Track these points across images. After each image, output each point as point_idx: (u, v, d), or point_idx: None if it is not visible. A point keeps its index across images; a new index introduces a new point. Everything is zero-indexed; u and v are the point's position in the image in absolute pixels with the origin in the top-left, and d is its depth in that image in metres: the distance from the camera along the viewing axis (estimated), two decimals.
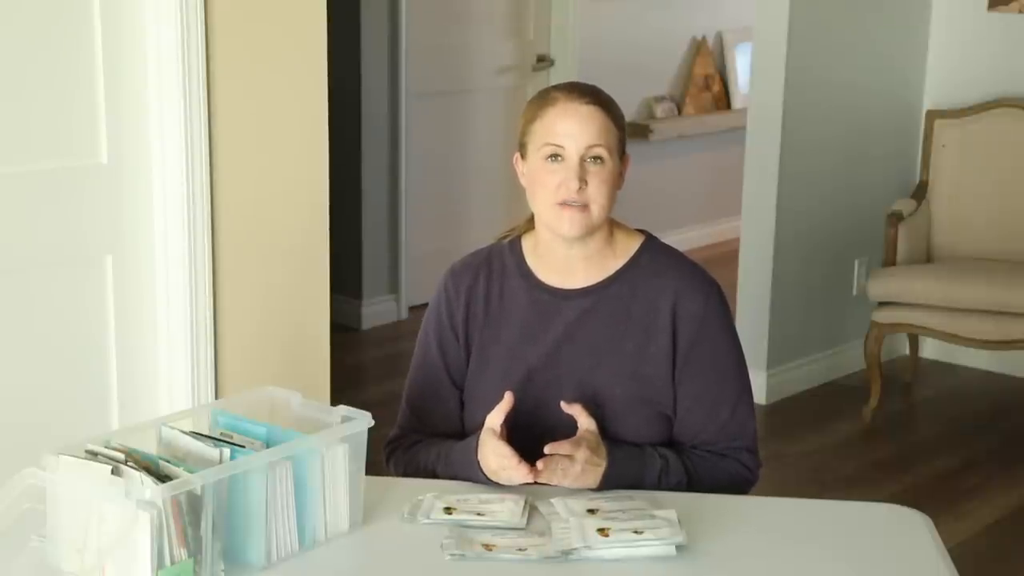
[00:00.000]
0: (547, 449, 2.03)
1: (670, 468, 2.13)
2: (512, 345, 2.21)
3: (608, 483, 2.07)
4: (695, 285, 2.19)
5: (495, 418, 2.07)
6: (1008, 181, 4.90)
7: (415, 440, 2.25)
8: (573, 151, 2.11)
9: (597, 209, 2.13)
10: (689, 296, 2.18)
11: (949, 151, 5.01)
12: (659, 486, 2.12)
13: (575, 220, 2.12)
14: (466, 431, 2.23)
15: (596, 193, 2.12)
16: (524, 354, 2.20)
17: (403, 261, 5.75)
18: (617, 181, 2.16)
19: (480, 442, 2.08)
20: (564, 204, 2.12)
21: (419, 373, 2.29)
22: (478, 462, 2.08)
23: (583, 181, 2.10)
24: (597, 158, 2.11)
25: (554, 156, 2.12)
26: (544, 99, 2.16)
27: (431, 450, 2.21)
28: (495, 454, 2.05)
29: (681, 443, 2.20)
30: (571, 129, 2.11)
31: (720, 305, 2.21)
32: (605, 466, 2.07)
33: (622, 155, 2.17)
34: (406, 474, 2.24)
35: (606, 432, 2.12)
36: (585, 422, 2.08)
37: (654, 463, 2.13)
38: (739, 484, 2.21)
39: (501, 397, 2.14)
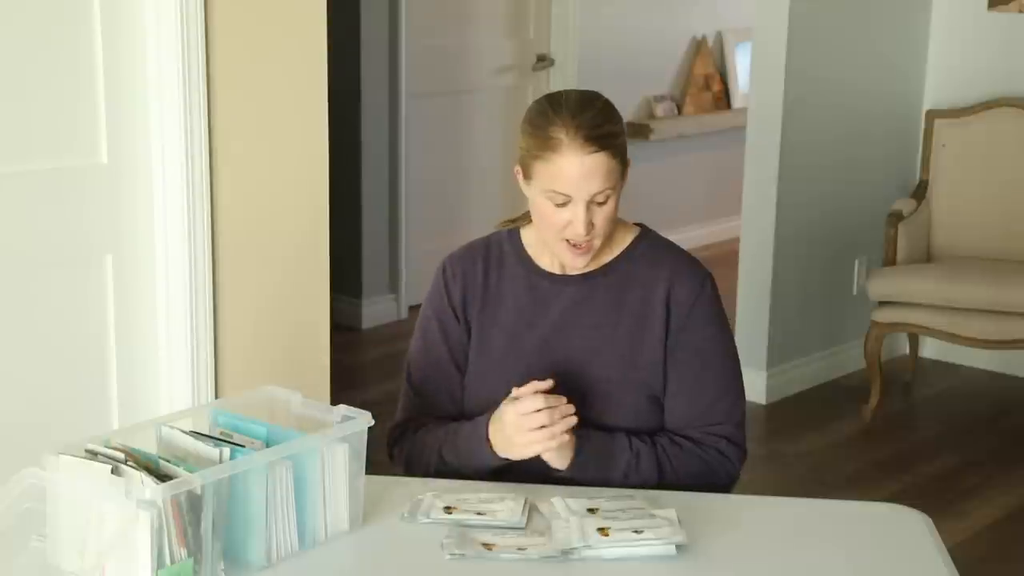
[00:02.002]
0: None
1: (640, 464, 2.14)
2: (510, 330, 2.23)
3: (574, 470, 2.10)
4: (688, 273, 2.21)
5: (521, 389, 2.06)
6: (1008, 181, 4.90)
7: (423, 423, 2.25)
8: (580, 199, 2.10)
9: (600, 240, 2.16)
10: (682, 284, 2.20)
11: (949, 151, 5.01)
12: (627, 481, 2.13)
13: (580, 257, 2.16)
14: (465, 415, 2.24)
15: (602, 227, 2.13)
16: (522, 339, 2.22)
17: (403, 261, 5.75)
18: (618, 202, 2.16)
19: (499, 411, 2.08)
20: (570, 243, 2.14)
21: (420, 356, 2.29)
22: (487, 436, 2.09)
23: (591, 224, 2.11)
24: (603, 202, 2.11)
25: (561, 204, 2.12)
26: (547, 139, 2.08)
27: (438, 431, 2.21)
28: (516, 412, 2.04)
29: (670, 427, 2.21)
30: (577, 180, 2.08)
31: (712, 294, 2.22)
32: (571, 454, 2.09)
33: (625, 172, 2.16)
34: (409, 458, 2.24)
35: (596, 418, 2.15)
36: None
37: (622, 459, 2.14)
38: (719, 476, 2.19)
39: (500, 381, 2.16)
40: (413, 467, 2.24)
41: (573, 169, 2.07)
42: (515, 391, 2.06)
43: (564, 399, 2.05)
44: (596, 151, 2.07)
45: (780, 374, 4.92)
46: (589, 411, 2.16)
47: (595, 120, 2.09)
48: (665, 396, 2.20)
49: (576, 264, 2.18)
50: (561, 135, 2.07)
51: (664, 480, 2.15)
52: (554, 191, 2.10)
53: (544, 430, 2.03)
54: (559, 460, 2.10)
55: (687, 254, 2.27)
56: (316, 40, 3.13)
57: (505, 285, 2.26)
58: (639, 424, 2.18)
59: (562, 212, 2.11)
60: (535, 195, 2.15)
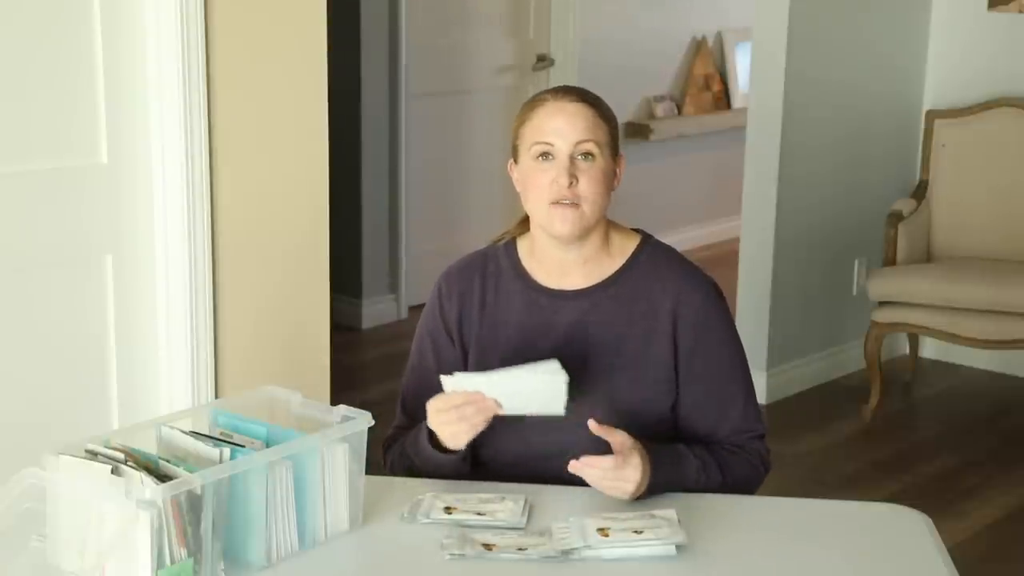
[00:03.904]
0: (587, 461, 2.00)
1: (707, 466, 2.13)
2: (512, 349, 2.19)
3: (652, 490, 2.05)
4: (693, 285, 2.19)
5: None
6: (1008, 181, 4.90)
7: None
8: (562, 148, 2.11)
9: (589, 207, 2.12)
10: (688, 297, 2.17)
11: (949, 151, 5.01)
12: (697, 486, 2.11)
13: (567, 219, 2.11)
14: None
15: (588, 190, 2.11)
16: (527, 358, 2.15)
17: (403, 261, 5.75)
18: (610, 180, 2.15)
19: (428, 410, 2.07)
20: (556, 203, 2.11)
21: (413, 376, 2.28)
22: (427, 428, 2.09)
23: (573, 177, 2.10)
24: (587, 154, 2.11)
25: (544, 155, 2.12)
26: (532, 102, 2.18)
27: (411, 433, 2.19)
28: (433, 413, 2.05)
29: (699, 439, 2.19)
30: (559, 126, 2.11)
31: (719, 303, 2.21)
32: (648, 475, 2.03)
33: (615, 153, 2.16)
34: (394, 466, 2.23)
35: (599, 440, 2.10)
36: (618, 441, 2.01)
37: (690, 462, 2.11)
38: (759, 474, 2.22)
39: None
40: (397, 472, 2.22)
41: (555, 117, 2.12)
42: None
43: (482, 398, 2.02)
44: (577, 101, 2.14)
45: (780, 374, 4.92)
46: (592, 433, 2.15)
47: (579, 88, 2.20)
48: (683, 409, 2.18)
49: (563, 229, 2.12)
50: (546, 96, 2.18)
51: (725, 485, 2.14)
52: (537, 142, 2.13)
53: (454, 412, 2.03)
54: (626, 490, 2.02)
55: (690, 263, 2.25)
56: (316, 40, 3.13)
57: (503, 303, 2.22)
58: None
59: (547, 169, 2.12)
60: (523, 166, 2.16)
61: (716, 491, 2.13)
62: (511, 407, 2.01)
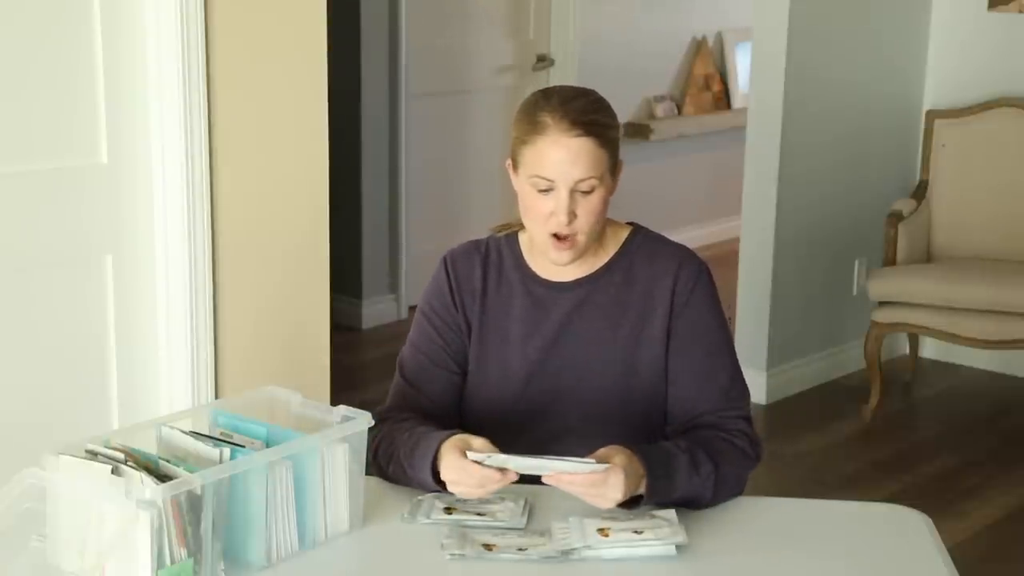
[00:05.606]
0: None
1: (699, 466, 2.05)
2: (511, 340, 2.22)
3: (654, 494, 1.99)
4: (691, 262, 2.21)
5: (475, 443, 1.98)
6: (1008, 181, 4.90)
7: (406, 417, 2.20)
8: (563, 184, 2.08)
9: (585, 236, 2.12)
10: (686, 270, 2.19)
11: (949, 151, 5.01)
12: (691, 481, 2.03)
13: (563, 252, 2.13)
14: (464, 422, 2.23)
15: (586, 222, 2.11)
16: (524, 349, 2.21)
17: (403, 261, 5.75)
18: (608, 198, 2.15)
19: (445, 451, 2.00)
20: (553, 235, 2.11)
21: (416, 346, 2.28)
22: (433, 465, 2.02)
23: (572, 214, 2.09)
24: (588, 191, 2.10)
25: (544, 190, 2.11)
26: (535, 123, 2.09)
27: (412, 433, 2.11)
28: (455, 469, 1.97)
29: (680, 417, 2.17)
30: (560, 163, 2.07)
31: (709, 283, 2.22)
32: (646, 480, 1.98)
33: (615, 168, 2.15)
34: (378, 447, 2.14)
35: (593, 432, 2.10)
36: (608, 453, 1.97)
37: (680, 460, 2.04)
38: (749, 457, 2.15)
39: (502, 393, 2.17)
40: (379, 457, 2.15)
41: (556, 152, 2.07)
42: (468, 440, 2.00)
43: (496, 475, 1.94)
44: (581, 135, 2.07)
45: (780, 374, 4.92)
46: (588, 423, 2.16)
47: (584, 107, 2.10)
48: (672, 384, 2.18)
49: (560, 259, 2.14)
50: (547, 119, 2.08)
51: (719, 477, 2.07)
52: (538, 176, 2.09)
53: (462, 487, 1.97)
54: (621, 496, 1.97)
55: (683, 246, 2.27)
56: (316, 40, 3.13)
57: (503, 293, 2.24)
58: (637, 437, 2.13)
59: (546, 201, 2.10)
60: (522, 184, 2.14)
61: (713, 487, 2.06)
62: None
